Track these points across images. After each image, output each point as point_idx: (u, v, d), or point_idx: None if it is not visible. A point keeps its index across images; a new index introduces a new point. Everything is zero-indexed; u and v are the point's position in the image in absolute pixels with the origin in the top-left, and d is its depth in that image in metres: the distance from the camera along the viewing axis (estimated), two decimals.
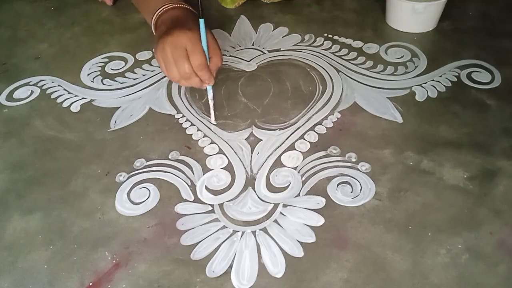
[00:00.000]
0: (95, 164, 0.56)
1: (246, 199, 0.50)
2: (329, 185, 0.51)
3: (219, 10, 0.85)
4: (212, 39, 0.54)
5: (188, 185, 0.52)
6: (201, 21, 0.51)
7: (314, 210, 0.48)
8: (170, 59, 0.52)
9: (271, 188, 0.51)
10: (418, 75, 0.66)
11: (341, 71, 0.68)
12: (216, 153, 0.56)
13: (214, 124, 0.60)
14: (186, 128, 0.60)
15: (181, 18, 0.55)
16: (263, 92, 0.65)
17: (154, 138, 0.59)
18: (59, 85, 0.69)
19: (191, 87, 0.66)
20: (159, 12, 0.58)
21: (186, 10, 0.58)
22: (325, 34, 0.76)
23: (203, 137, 0.58)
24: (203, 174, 0.53)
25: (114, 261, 0.45)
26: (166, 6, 0.58)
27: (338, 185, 0.51)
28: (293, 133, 0.58)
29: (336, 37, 0.75)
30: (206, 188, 0.52)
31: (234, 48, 0.75)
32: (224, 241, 0.46)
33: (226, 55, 0.73)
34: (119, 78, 0.70)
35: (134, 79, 0.69)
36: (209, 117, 0.61)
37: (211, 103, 0.59)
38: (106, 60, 0.74)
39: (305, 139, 0.57)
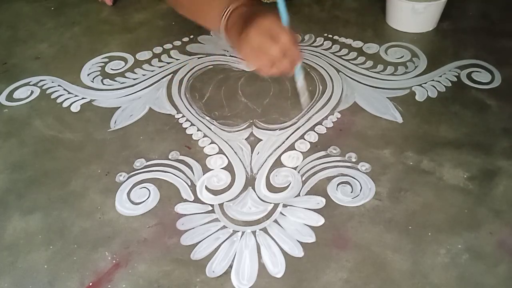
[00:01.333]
0: (95, 164, 0.56)
1: (246, 199, 0.50)
2: (329, 185, 0.51)
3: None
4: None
5: (188, 185, 0.52)
6: (280, 0, 0.50)
7: (314, 210, 0.48)
8: (259, 49, 0.50)
9: (271, 188, 0.51)
10: (418, 75, 0.66)
11: (341, 71, 0.68)
12: (216, 153, 0.56)
13: (305, 108, 0.58)
14: (186, 128, 0.60)
15: (253, 11, 0.54)
16: (263, 92, 0.65)
17: (154, 138, 0.59)
18: (59, 85, 0.69)
19: (191, 89, 0.66)
20: (227, 14, 0.57)
21: (252, 3, 0.56)
22: (325, 34, 0.76)
23: (203, 137, 0.58)
24: (203, 174, 0.53)
25: (114, 261, 0.45)
26: (231, 6, 0.56)
27: (338, 185, 0.51)
28: (293, 133, 0.58)
29: (336, 37, 0.75)
30: (206, 188, 0.52)
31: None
32: (224, 241, 0.46)
33: (226, 55, 0.73)
34: (119, 78, 0.70)
35: (134, 79, 0.69)
36: (209, 117, 0.61)
37: (302, 85, 0.56)
38: (106, 60, 0.74)
39: (305, 139, 0.57)
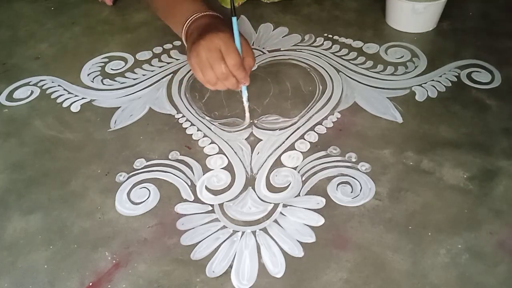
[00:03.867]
0: (95, 164, 0.56)
1: (246, 199, 0.50)
2: (329, 185, 0.51)
3: (219, 10, 0.84)
4: (244, 40, 0.54)
5: (188, 185, 0.52)
6: (234, 19, 0.52)
7: (314, 210, 0.48)
8: (206, 63, 0.52)
9: (271, 188, 0.51)
10: (418, 75, 0.66)
11: (341, 71, 0.68)
12: (216, 153, 0.56)
13: (247, 123, 0.60)
14: (186, 128, 0.60)
15: (212, 23, 0.55)
16: (263, 92, 0.65)
17: (154, 138, 0.59)
18: (59, 85, 0.69)
19: (191, 89, 0.66)
20: (189, 22, 0.58)
21: (215, 16, 0.58)
22: (325, 34, 0.76)
23: (203, 137, 0.58)
24: (203, 174, 0.53)
25: (114, 261, 0.45)
26: (195, 15, 0.57)
27: (338, 185, 0.51)
28: (293, 133, 0.58)
29: (336, 37, 0.75)
30: (206, 188, 0.52)
31: None
32: (224, 241, 0.46)
33: None
34: (119, 78, 0.70)
35: (134, 79, 0.69)
36: (209, 117, 0.61)
37: (246, 104, 0.59)
38: (106, 60, 0.74)
39: (305, 139, 0.57)
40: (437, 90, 0.63)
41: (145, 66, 0.72)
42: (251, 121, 0.60)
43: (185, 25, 0.58)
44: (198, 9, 0.58)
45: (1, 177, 0.55)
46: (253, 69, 0.69)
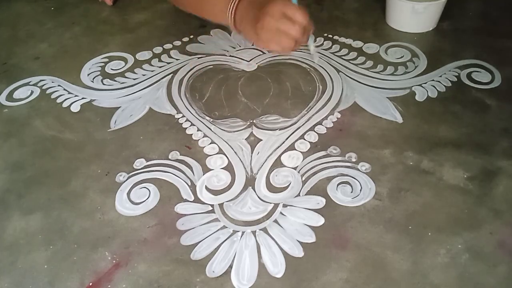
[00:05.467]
0: (95, 164, 0.56)
1: (246, 199, 0.50)
2: (329, 185, 0.51)
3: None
4: None
5: (188, 185, 0.52)
6: None
7: (314, 210, 0.48)
8: (278, 33, 0.53)
9: (271, 188, 0.51)
10: (418, 75, 0.66)
11: (341, 71, 0.68)
12: (216, 153, 0.56)
13: (317, 59, 0.68)
14: (186, 128, 0.60)
15: None
16: (263, 92, 0.65)
17: (154, 138, 0.59)
18: (59, 85, 0.69)
19: (191, 89, 0.66)
20: (233, 7, 0.58)
21: None
22: (325, 34, 0.76)
23: (203, 137, 0.58)
24: (203, 174, 0.53)
25: (114, 261, 0.45)
26: None
27: (338, 185, 0.51)
28: (293, 133, 0.58)
29: (336, 37, 0.75)
30: (206, 188, 0.52)
31: (234, 48, 0.75)
32: (224, 241, 0.46)
33: (226, 55, 0.73)
34: (119, 78, 0.70)
35: (134, 79, 0.69)
36: (209, 116, 0.61)
37: (314, 48, 0.64)
38: (106, 60, 0.74)
39: (305, 139, 0.57)
40: (437, 90, 0.63)
41: (145, 66, 0.72)
42: (317, 54, 0.66)
43: (230, 9, 0.58)
44: None
45: (1, 177, 0.55)
46: (253, 69, 0.70)
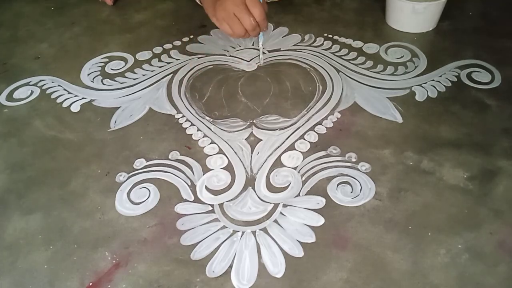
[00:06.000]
0: (95, 164, 0.56)
1: (246, 199, 0.50)
2: (329, 185, 0.51)
3: None
4: None
5: (188, 185, 0.52)
6: None
7: (314, 210, 0.48)
8: (233, 17, 0.57)
9: (271, 188, 0.51)
10: (418, 75, 0.66)
11: (341, 71, 0.68)
12: (216, 153, 0.56)
13: (259, 63, 0.69)
14: (186, 128, 0.60)
15: None
16: (263, 92, 0.65)
17: (154, 138, 0.59)
18: (59, 85, 0.69)
19: (191, 89, 0.66)
20: None
21: None
22: (325, 34, 0.76)
23: (203, 137, 0.58)
24: (203, 174, 0.53)
25: (114, 261, 0.45)
26: None
27: (338, 185, 0.51)
28: (293, 133, 0.58)
29: (336, 37, 0.75)
30: (206, 188, 0.52)
31: (234, 48, 0.75)
32: (224, 241, 0.46)
33: (226, 55, 0.73)
34: (119, 78, 0.70)
35: (134, 79, 0.69)
36: (209, 116, 0.61)
37: (261, 46, 0.66)
38: (106, 60, 0.74)
39: (305, 139, 0.57)
40: (437, 90, 0.63)
41: (145, 66, 0.72)
42: (261, 63, 0.67)
43: None
44: None
45: (1, 177, 0.55)
46: (253, 69, 0.69)
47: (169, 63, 0.72)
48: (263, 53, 0.69)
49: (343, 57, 0.71)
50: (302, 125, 0.59)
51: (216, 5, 0.58)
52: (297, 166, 0.53)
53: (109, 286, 0.43)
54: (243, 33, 0.59)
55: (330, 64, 0.69)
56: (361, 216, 0.48)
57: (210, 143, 0.57)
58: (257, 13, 0.57)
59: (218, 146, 0.57)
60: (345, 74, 0.67)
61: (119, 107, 0.64)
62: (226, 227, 0.48)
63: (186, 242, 0.46)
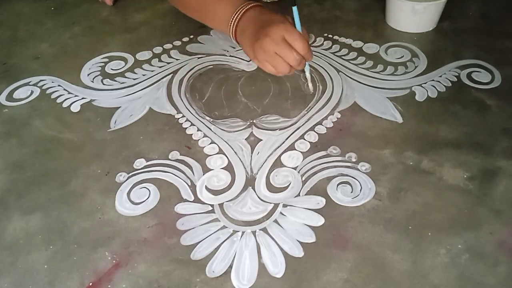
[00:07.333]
0: (95, 164, 0.56)
1: (246, 199, 0.50)
2: (329, 185, 0.51)
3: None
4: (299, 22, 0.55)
5: (188, 185, 0.52)
6: (295, 8, 0.53)
7: (314, 210, 0.48)
8: (275, 56, 0.52)
9: (271, 188, 0.51)
10: (418, 75, 0.66)
11: (341, 71, 0.68)
12: (216, 153, 0.56)
13: (311, 92, 0.63)
14: (186, 128, 0.60)
15: (263, 14, 0.55)
16: (263, 92, 0.65)
17: (154, 138, 0.59)
18: (59, 85, 0.69)
19: (191, 89, 0.66)
20: (237, 17, 0.57)
21: (260, 6, 0.57)
22: (325, 34, 0.76)
23: (203, 137, 0.58)
24: (203, 174, 0.53)
25: (114, 261, 0.45)
26: (241, 9, 0.57)
27: (338, 185, 0.51)
28: (293, 133, 0.58)
29: (336, 37, 0.75)
30: (206, 188, 0.52)
31: (234, 48, 0.75)
32: (224, 241, 0.46)
33: (226, 55, 0.73)
34: (119, 78, 0.70)
35: (134, 79, 0.69)
36: (209, 116, 0.61)
37: (309, 76, 0.61)
38: (106, 60, 0.74)
39: (305, 139, 0.57)
40: (437, 90, 0.63)
41: (145, 66, 0.72)
42: (311, 92, 0.63)
43: (233, 21, 0.57)
44: (242, 2, 0.57)
45: (1, 177, 0.55)
46: (253, 69, 0.69)
47: (169, 63, 0.72)
48: (313, 80, 0.64)
49: (343, 57, 0.71)
50: (302, 125, 0.59)
51: (254, 47, 0.53)
52: (297, 166, 0.53)
53: (109, 286, 0.43)
54: (288, 70, 0.54)
55: (330, 64, 0.69)
56: (361, 216, 0.48)
57: (210, 143, 0.57)
58: (300, 46, 0.51)
59: (218, 146, 0.57)
60: (345, 74, 0.67)
61: (119, 107, 0.64)
62: (226, 227, 0.48)
63: (186, 242, 0.46)
